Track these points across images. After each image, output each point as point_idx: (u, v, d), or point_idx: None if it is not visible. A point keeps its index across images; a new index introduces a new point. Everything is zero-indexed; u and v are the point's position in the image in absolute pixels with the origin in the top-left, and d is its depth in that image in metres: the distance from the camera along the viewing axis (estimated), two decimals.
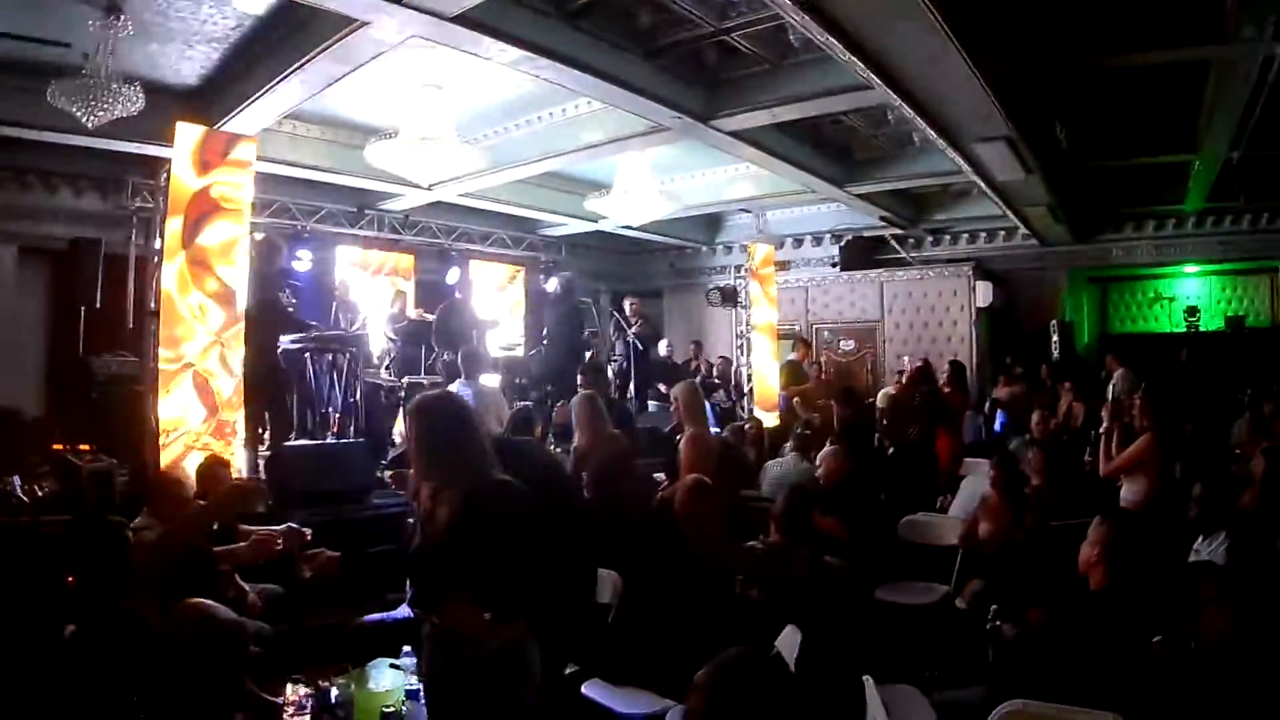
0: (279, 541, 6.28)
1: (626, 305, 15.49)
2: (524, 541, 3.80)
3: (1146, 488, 7.82)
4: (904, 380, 14.27)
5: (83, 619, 4.36)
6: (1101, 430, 8.33)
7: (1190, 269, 17.91)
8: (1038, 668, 4.61)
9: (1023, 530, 7.11)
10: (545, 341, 13.24)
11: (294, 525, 6.44)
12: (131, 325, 12.43)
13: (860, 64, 8.17)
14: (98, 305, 12.64)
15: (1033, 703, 3.94)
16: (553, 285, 16.36)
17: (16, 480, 8.38)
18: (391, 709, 4.54)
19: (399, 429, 11.78)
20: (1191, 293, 18.31)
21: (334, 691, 4.58)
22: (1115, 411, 8.45)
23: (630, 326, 14.94)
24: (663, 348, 17.02)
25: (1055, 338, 17.13)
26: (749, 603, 5.91)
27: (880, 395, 13.45)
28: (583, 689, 5.47)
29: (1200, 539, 6.26)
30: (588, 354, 13.84)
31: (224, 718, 3.54)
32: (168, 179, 9.58)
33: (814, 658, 4.67)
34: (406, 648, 5.40)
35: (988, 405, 15.02)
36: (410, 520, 4.61)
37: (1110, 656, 4.31)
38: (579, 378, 10.48)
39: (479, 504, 3.83)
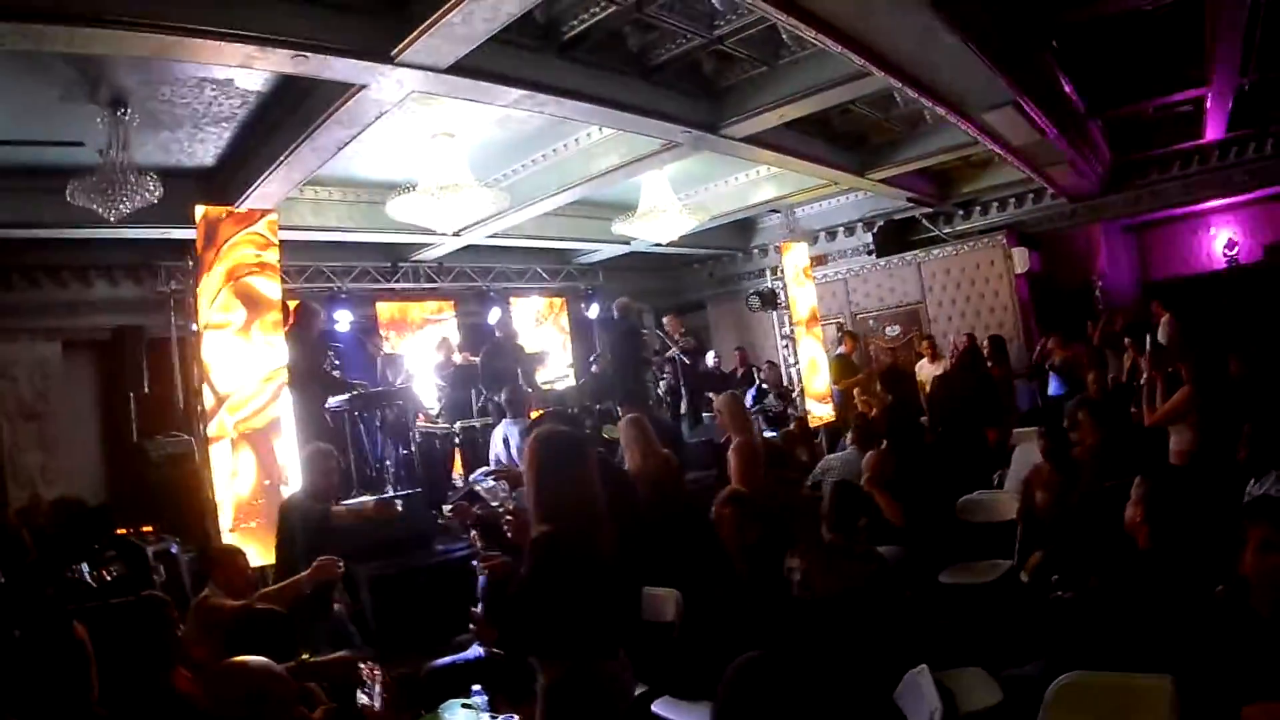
0: (340, 564, 6.34)
1: (666, 323, 15.49)
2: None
3: (1191, 437, 7.75)
4: (952, 359, 14.09)
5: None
6: (1142, 381, 8.27)
7: (1220, 202, 17.74)
8: (1092, 635, 4.60)
9: (1077, 495, 7.09)
10: (594, 366, 13.12)
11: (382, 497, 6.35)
12: (182, 405, 12.63)
13: (852, 53, 8.21)
14: (146, 389, 12.86)
15: (1088, 673, 3.95)
16: (594, 311, 16.45)
17: (85, 567, 8.54)
18: None
19: (458, 472, 11.89)
20: (1227, 226, 18.17)
21: None
22: (1155, 360, 8.38)
23: (675, 344, 14.96)
24: (710, 359, 17.01)
25: (1097, 293, 17.00)
26: (808, 604, 5.92)
27: (928, 376, 13.42)
28: (653, 707, 5.53)
29: (1252, 482, 6.17)
30: (649, 372, 13.90)
31: None
32: (194, 260, 9.73)
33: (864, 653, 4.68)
34: (476, 686, 5.48)
35: (1040, 368, 14.93)
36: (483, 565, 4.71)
37: (1160, 617, 4.28)
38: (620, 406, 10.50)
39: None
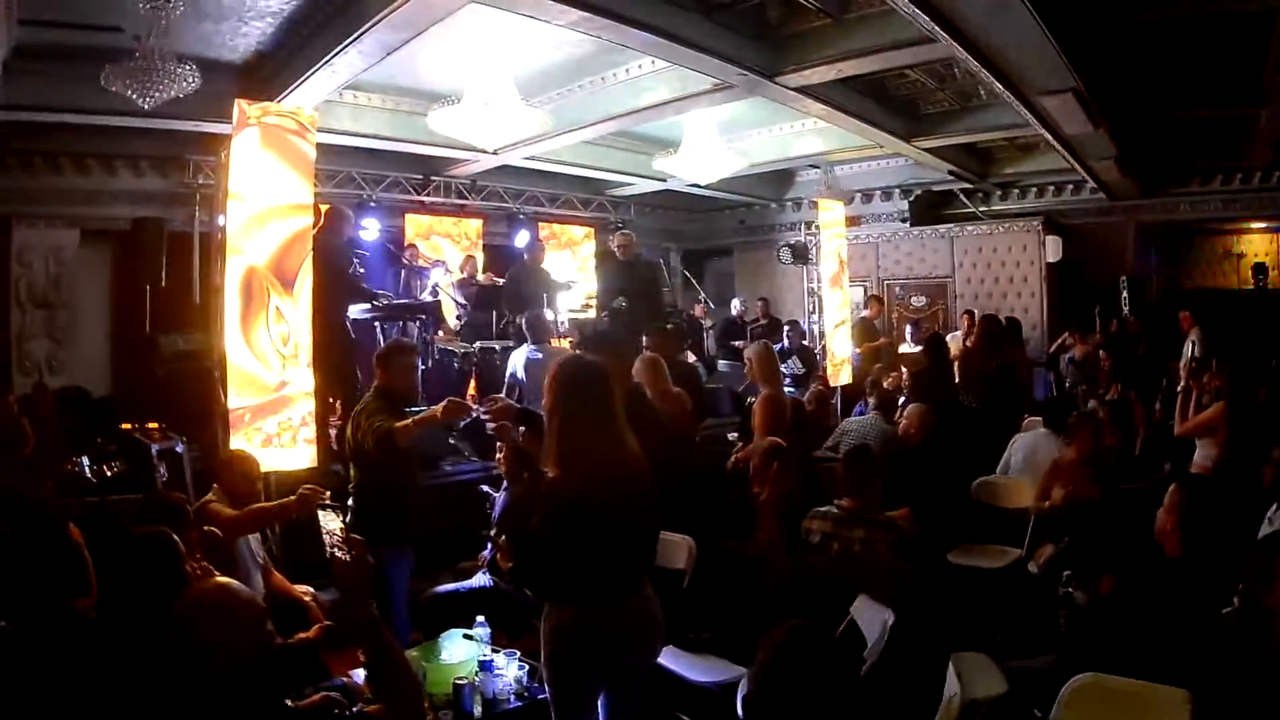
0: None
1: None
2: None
3: (1217, 454, 7.68)
4: (974, 337, 13.95)
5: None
6: (1179, 389, 8.21)
7: (1258, 225, 17.63)
8: (1109, 638, 4.54)
9: (1096, 492, 7.04)
10: (614, 303, 12.99)
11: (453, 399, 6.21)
12: (198, 303, 12.55)
13: (924, 16, 8.05)
14: (163, 284, 12.80)
15: (1105, 676, 3.89)
16: (606, 246, 16.37)
17: (85, 460, 8.46)
18: (464, 680, 4.54)
19: (471, 393, 11.81)
20: (1260, 250, 18.06)
21: None
22: (1194, 371, 8.32)
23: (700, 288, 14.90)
24: (735, 306, 16.92)
25: (1125, 294, 16.90)
26: (821, 567, 5.88)
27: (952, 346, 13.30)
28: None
29: (1275, 507, 6.10)
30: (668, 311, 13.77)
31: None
32: (228, 154, 9.61)
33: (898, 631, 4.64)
34: (480, 618, 5.42)
35: (1057, 360, 14.89)
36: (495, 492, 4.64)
37: (1182, 629, 4.23)
38: (645, 338, 10.35)
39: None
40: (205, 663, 2.90)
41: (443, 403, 5.76)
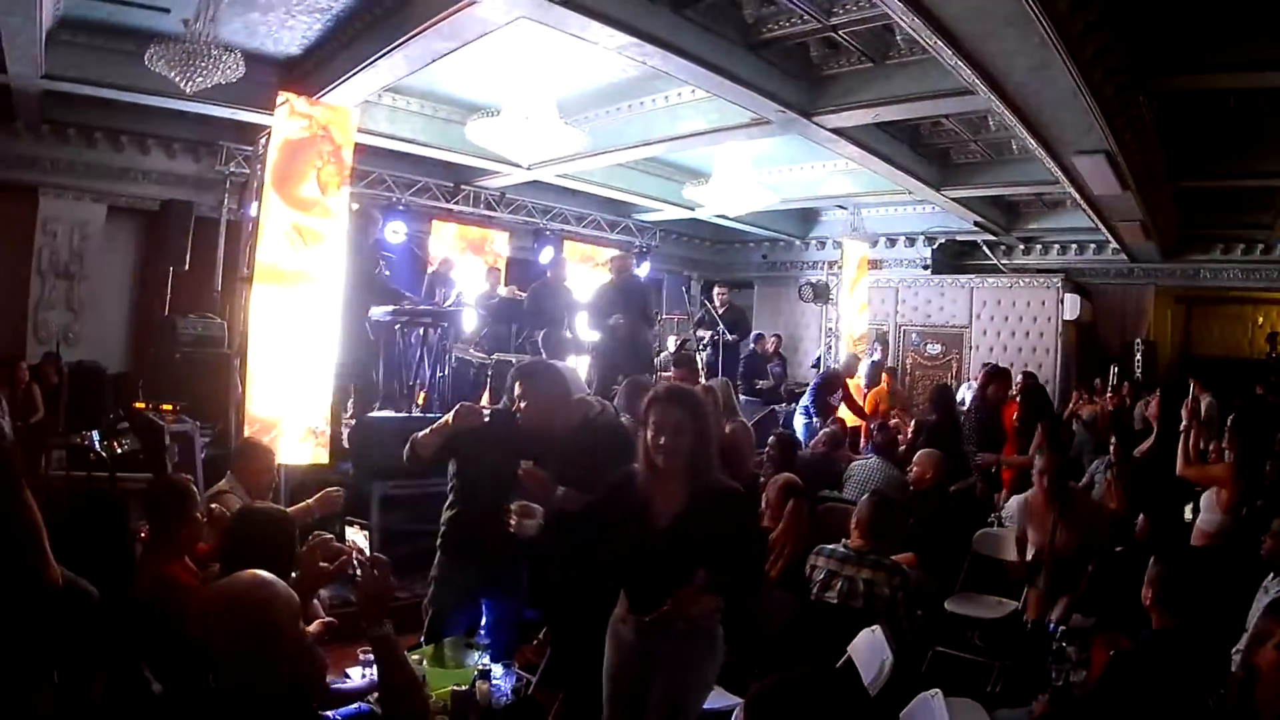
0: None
1: (716, 294, 15.42)
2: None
3: (1221, 521, 7.67)
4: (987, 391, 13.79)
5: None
6: (1181, 428, 8.20)
7: (1276, 295, 17.65)
8: (1097, 699, 4.59)
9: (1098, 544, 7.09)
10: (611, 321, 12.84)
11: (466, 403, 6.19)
12: (219, 289, 12.64)
13: (966, 68, 8.13)
14: (186, 267, 12.87)
15: None
16: (644, 269, 16.38)
17: (95, 435, 8.50)
18: (463, 687, 4.58)
19: (485, 403, 11.85)
20: (1274, 320, 18.09)
21: None
22: (1195, 410, 8.29)
23: (720, 318, 14.89)
24: (753, 341, 16.83)
25: (1139, 356, 16.93)
26: (823, 605, 5.93)
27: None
28: None
29: (1271, 576, 6.12)
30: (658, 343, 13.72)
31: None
32: (265, 145, 9.69)
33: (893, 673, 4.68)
34: (483, 627, 5.46)
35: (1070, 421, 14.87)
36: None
37: (1166, 696, 4.26)
38: (671, 370, 10.37)
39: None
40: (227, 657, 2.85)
41: (455, 409, 5.81)
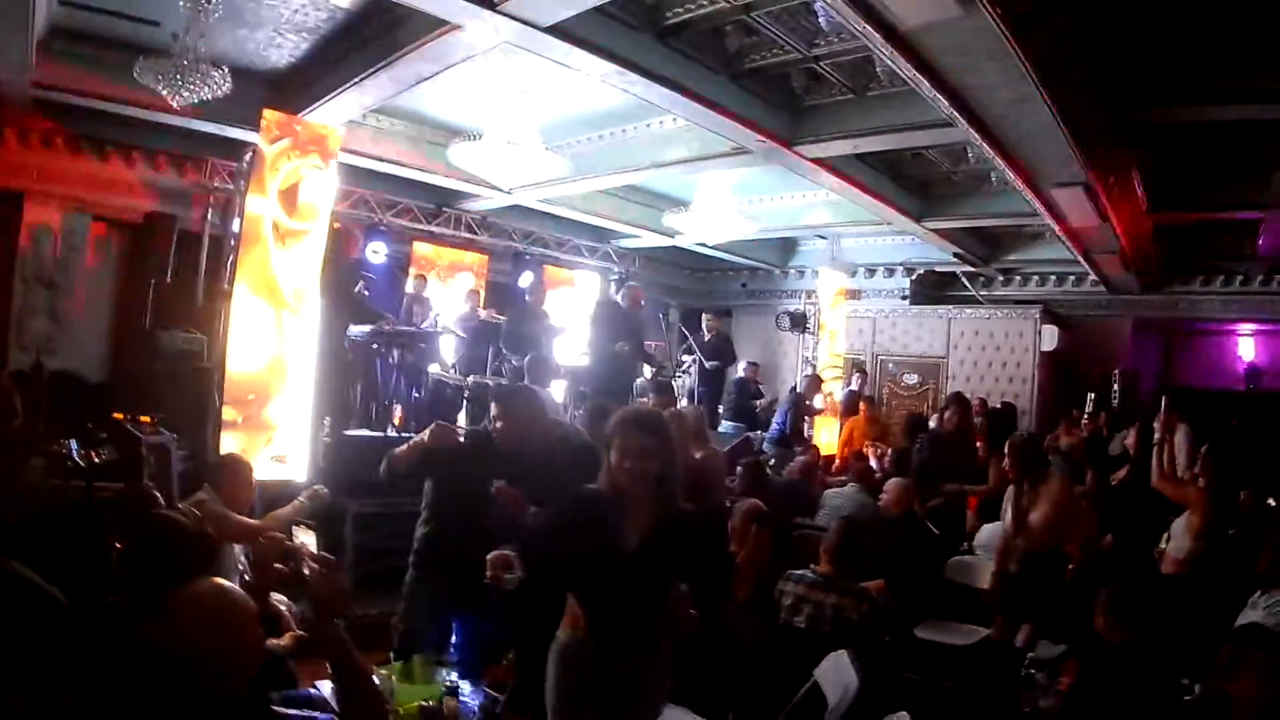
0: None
1: (704, 321, 15.46)
2: None
3: (1191, 548, 7.68)
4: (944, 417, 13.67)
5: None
6: (1155, 441, 8.24)
7: (1252, 328, 17.75)
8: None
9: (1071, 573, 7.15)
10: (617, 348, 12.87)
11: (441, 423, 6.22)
12: (200, 303, 12.65)
13: (945, 101, 8.20)
14: (168, 280, 12.89)
15: None
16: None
17: (74, 444, 8.50)
18: (431, 703, 4.59)
19: (461, 424, 11.85)
20: (1253, 352, 18.19)
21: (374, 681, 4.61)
22: (1168, 424, 8.33)
23: (702, 345, 14.94)
24: (741, 368, 16.77)
25: (1116, 386, 17.01)
26: (791, 630, 5.97)
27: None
28: None
29: (1259, 593, 6.13)
30: (648, 368, 13.73)
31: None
32: (250, 161, 9.73)
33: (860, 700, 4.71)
34: (453, 645, 5.49)
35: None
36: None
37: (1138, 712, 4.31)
38: (650, 396, 10.43)
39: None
40: (193, 665, 2.89)
41: (430, 427, 5.84)
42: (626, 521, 3.99)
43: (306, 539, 4.99)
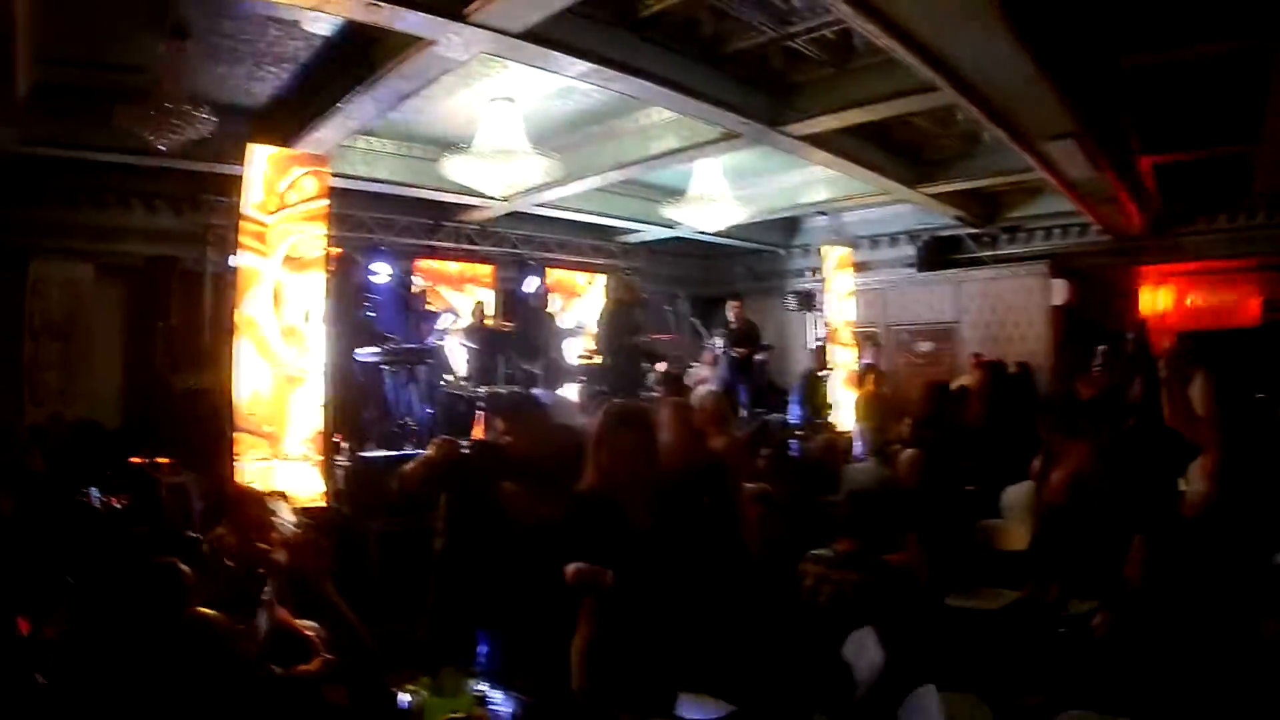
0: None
1: (729, 309, 15.35)
2: None
3: (1206, 491, 7.63)
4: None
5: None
6: (1162, 380, 8.18)
7: (1264, 261, 17.58)
8: (1095, 674, 4.60)
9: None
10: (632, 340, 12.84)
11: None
12: (208, 341, 12.70)
13: (924, 66, 8.19)
14: (174, 321, 12.95)
15: (1090, 714, 3.94)
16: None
17: (95, 491, 8.55)
18: (460, 714, 4.59)
19: (478, 435, 11.86)
20: (1269, 285, 18.04)
21: (404, 698, 4.60)
22: (1172, 360, 8.26)
23: (733, 327, 14.83)
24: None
25: (1130, 335, 16.90)
26: (814, 608, 5.94)
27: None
28: None
29: None
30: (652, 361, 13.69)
31: None
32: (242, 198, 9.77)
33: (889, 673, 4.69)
34: (481, 650, 5.48)
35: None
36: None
37: (1163, 667, 4.28)
38: (658, 389, 10.43)
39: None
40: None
41: (433, 442, 5.87)
42: (629, 513, 3.99)
43: (283, 510, 5.01)
